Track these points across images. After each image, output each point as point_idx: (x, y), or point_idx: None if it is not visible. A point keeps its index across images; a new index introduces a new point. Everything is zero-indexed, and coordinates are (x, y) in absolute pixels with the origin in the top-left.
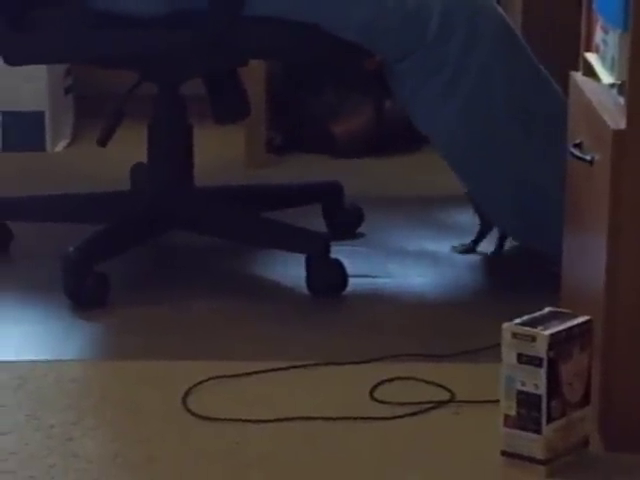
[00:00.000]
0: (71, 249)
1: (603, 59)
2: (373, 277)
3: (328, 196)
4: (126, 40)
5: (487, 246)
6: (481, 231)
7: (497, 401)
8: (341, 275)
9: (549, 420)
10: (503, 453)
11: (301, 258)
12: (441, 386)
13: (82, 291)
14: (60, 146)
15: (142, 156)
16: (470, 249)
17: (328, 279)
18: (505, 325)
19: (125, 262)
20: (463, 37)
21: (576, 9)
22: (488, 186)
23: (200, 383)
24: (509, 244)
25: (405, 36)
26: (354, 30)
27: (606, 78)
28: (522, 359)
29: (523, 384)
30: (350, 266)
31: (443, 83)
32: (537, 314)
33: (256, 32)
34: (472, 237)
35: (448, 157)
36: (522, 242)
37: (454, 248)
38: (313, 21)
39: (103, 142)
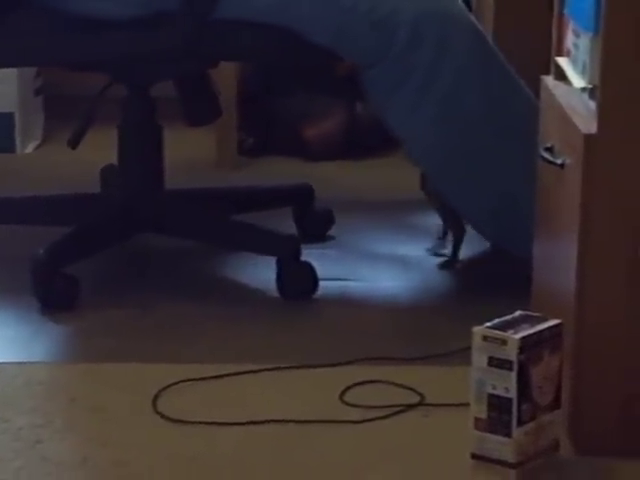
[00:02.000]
0: (40, 251)
1: (574, 63)
2: (343, 280)
3: (299, 199)
4: (96, 43)
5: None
6: (441, 236)
7: (467, 404)
8: (311, 278)
9: (519, 423)
10: (473, 456)
11: (272, 261)
12: (411, 389)
13: (51, 293)
14: (30, 148)
15: (112, 158)
16: (451, 261)
17: (298, 282)
18: (476, 328)
19: (94, 264)
20: (434, 44)
21: (547, 13)
22: (462, 189)
23: (170, 386)
24: (477, 248)
25: (374, 43)
26: (324, 34)
27: (577, 82)
28: (493, 362)
29: (494, 387)
30: (321, 269)
31: (414, 90)
32: (508, 317)
33: (227, 35)
34: (448, 249)
35: (422, 162)
36: (495, 244)
37: (428, 250)
38: (284, 24)
39: (74, 144)
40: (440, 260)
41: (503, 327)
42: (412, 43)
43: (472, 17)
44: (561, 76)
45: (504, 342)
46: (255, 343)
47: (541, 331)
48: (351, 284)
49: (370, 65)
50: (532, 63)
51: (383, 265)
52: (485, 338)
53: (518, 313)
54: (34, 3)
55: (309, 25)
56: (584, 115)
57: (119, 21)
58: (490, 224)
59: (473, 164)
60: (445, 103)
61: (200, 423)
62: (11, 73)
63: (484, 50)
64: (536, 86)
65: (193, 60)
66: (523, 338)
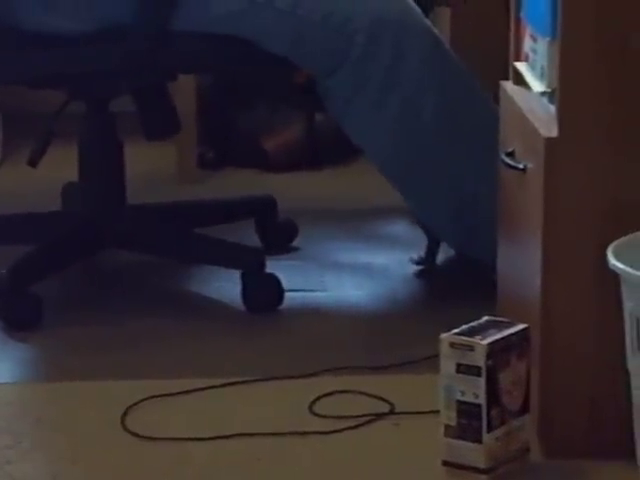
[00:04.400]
0: (3, 271)
1: (533, 67)
2: (309, 291)
3: (261, 211)
4: (52, 59)
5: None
6: (429, 246)
7: (437, 411)
8: (277, 290)
9: (489, 429)
10: (444, 463)
11: (236, 274)
12: (380, 398)
13: (15, 313)
14: None
15: (73, 175)
16: (429, 266)
17: (264, 294)
18: (443, 335)
19: (58, 282)
20: (390, 51)
21: (504, 19)
22: (423, 197)
23: (138, 402)
24: (442, 254)
25: (330, 51)
26: (281, 44)
27: (536, 86)
28: (461, 369)
29: (463, 394)
30: (286, 281)
31: (371, 98)
32: (474, 323)
33: (184, 47)
34: (424, 252)
35: (382, 170)
36: (460, 250)
37: (411, 259)
38: (241, 35)
39: (33, 162)
40: (417, 268)
41: (470, 333)
42: (369, 50)
43: (428, 22)
44: (520, 81)
45: (471, 348)
46: (222, 357)
47: (508, 336)
48: (316, 294)
49: (327, 74)
50: (490, 68)
51: (348, 274)
52: (452, 345)
53: (485, 319)
54: None
55: (265, 35)
56: (544, 119)
57: (74, 37)
58: (452, 230)
59: (432, 169)
60: (403, 109)
61: (169, 439)
62: None
63: (441, 55)
64: (495, 91)
65: (150, 73)
66: (490, 344)
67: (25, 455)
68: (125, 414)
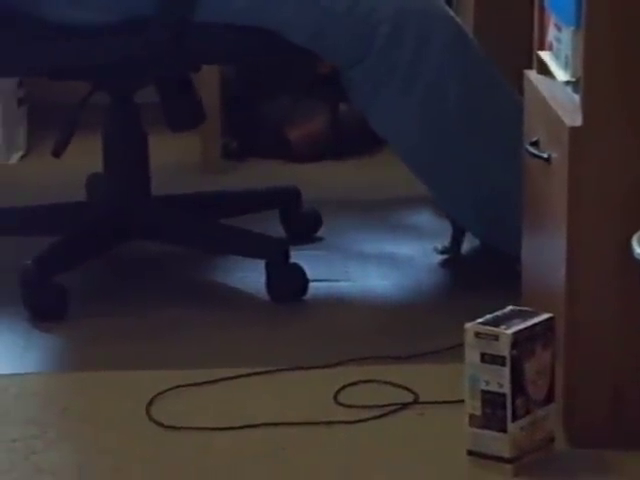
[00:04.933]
0: (29, 262)
1: (557, 57)
2: (333, 281)
3: (286, 201)
4: (77, 51)
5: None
6: (454, 235)
7: (461, 401)
8: (301, 280)
9: (514, 418)
10: (469, 453)
11: (261, 264)
12: (405, 388)
13: (41, 303)
14: (14, 158)
15: (97, 166)
16: (454, 256)
17: (288, 284)
18: (468, 325)
19: (84, 273)
20: (414, 42)
21: (528, 8)
22: (447, 188)
23: (163, 392)
24: (467, 244)
25: (354, 42)
26: (303, 35)
27: (561, 76)
28: (485, 358)
29: (487, 383)
30: (310, 271)
31: (396, 89)
32: (499, 313)
33: (208, 38)
34: (448, 242)
35: (406, 159)
36: (485, 241)
37: (436, 249)
38: (263, 25)
39: (58, 153)
40: (441, 258)
41: (495, 323)
42: (392, 41)
43: (451, 11)
44: (544, 70)
45: (496, 338)
46: (247, 347)
47: (533, 326)
48: (341, 284)
49: (350, 64)
50: (514, 58)
51: (372, 264)
52: (477, 334)
53: (509, 308)
54: (10, 13)
55: (288, 26)
56: (568, 108)
57: (97, 28)
58: (477, 221)
59: (453, 158)
60: (427, 100)
61: (194, 429)
62: None
63: (463, 44)
64: (519, 81)
65: (173, 64)
66: (515, 333)
67: (51, 445)
68: (150, 404)
